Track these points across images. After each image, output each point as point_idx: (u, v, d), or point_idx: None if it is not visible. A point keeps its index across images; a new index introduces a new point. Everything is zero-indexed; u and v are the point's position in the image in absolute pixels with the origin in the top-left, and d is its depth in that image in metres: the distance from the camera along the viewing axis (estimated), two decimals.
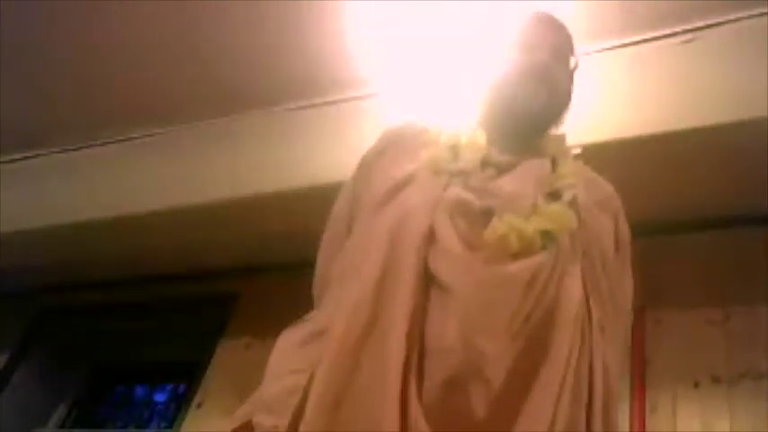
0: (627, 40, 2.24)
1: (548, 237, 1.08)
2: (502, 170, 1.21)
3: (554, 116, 1.32)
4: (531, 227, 1.08)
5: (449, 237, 1.06)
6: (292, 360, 1.08)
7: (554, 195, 1.17)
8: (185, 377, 2.96)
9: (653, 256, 2.43)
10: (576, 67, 1.39)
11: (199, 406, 2.69)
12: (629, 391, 2.20)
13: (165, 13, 2.43)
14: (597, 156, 2.20)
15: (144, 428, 3.30)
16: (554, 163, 1.25)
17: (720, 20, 2.15)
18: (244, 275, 2.93)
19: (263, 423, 1.02)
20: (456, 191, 1.13)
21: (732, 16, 2.14)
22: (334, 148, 2.46)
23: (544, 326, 1.01)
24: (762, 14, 2.10)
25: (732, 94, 2.03)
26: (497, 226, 1.08)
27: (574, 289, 1.07)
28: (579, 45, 2.29)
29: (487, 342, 0.96)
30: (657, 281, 2.38)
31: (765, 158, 2.05)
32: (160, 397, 3.38)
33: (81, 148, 3.06)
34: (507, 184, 1.18)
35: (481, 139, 1.24)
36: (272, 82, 2.63)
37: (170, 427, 2.90)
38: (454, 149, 1.22)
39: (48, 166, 3.10)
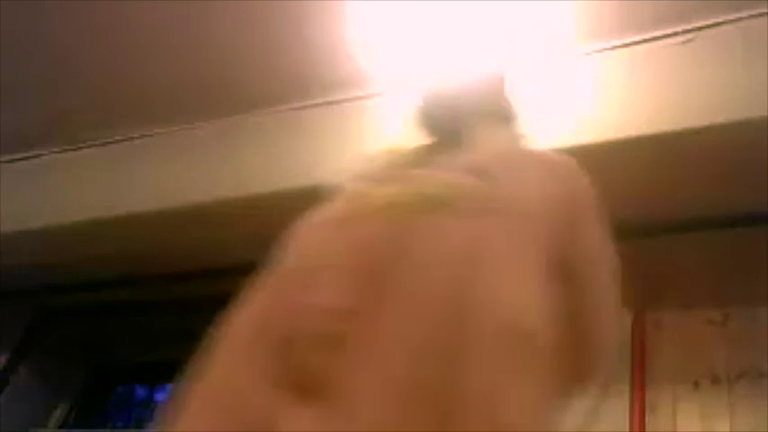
0: (627, 40, 2.25)
1: (429, 199, 1.07)
2: (421, 166, 1.23)
3: (468, 113, 1.34)
4: (412, 191, 1.09)
5: (322, 213, 1.13)
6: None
7: (473, 171, 1.14)
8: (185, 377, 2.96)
9: (653, 256, 2.44)
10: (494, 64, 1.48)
11: None
12: (629, 391, 2.20)
13: (165, 13, 2.43)
14: (597, 156, 2.22)
15: (144, 428, 3.30)
16: (482, 152, 1.24)
17: (720, 20, 2.15)
18: (244, 275, 2.93)
19: None
20: (358, 182, 1.19)
21: (732, 16, 2.14)
22: (335, 148, 2.46)
23: (389, 273, 0.97)
24: (762, 14, 2.10)
25: (732, 94, 2.04)
26: (376, 192, 1.11)
27: (444, 238, 1.02)
28: (579, 45, 2.31)
29: (317, 299, 0.97)
30: (657, 281, 2.38)
31: (765, 158, 2.05)
32: (160, 397, 3.38)
33: (81, 148, 3.05)
34: (413, 172, 1.19)
35: (410, 143, 1.32)
36: (272, 82, 2.63)
37: None
38: (391, 157, 1.29)
39: (48, 166, 3.10)
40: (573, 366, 1.11)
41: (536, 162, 1.26)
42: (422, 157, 1.28)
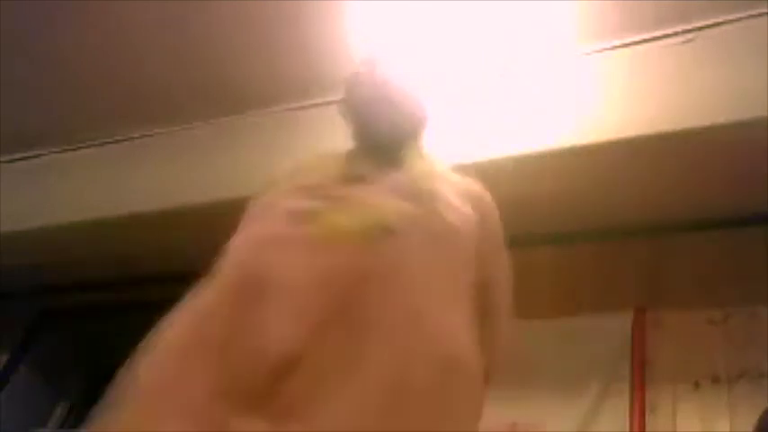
0: (627, 40, 2.25)
1: (379, 228, 1.15)
2: (356, 181, 1.28)
3: (406, 131, 1.39)
4: (363, 220, 1.16)
5: (282, 241, 1.15)
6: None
7: (405, 196, 1.23)
8: None
9: (653, 256, 2.44)
10: (416, 86, 1.47)
11: None
12: (629, 391, 2.20)
13: (164, 13, 2.43)
14: (598, 156, 2.22)
15: None
16: (412, 172, 1.32)
17: (720, 20, 2.15)
18: None
19: None
20: (300, 201, 1.22)
21: (732, 16, 2.14)
22: (333, 148, 2.46)
23: (361, 312, 1.05)
24: (762, 14, 2.10)
25: (732, 94, 2.04)
26: (329, 221, 1.16)
27: (398, 266, 1.11)
28: (579, 45, 2.31)
29: (294, 328, 1.02)
30: (657, 281, 2.38)
31: (765, 158, 2.05)
32: None
33: (81, 148, 3.05)
34: (356, 190, 1.25)
35: (343, 155, 1.36)
36: (271, 82, 2.63)
37: None
38: (312, 167, 1.34)
39: (48, 166, 3.10)
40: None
41: (455, 185, 1.33)
42: (355, 169, 1.31)
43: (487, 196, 1.37)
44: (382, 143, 1.36)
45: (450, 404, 1.04)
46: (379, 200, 1.22)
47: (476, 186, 1.37)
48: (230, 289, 1.12)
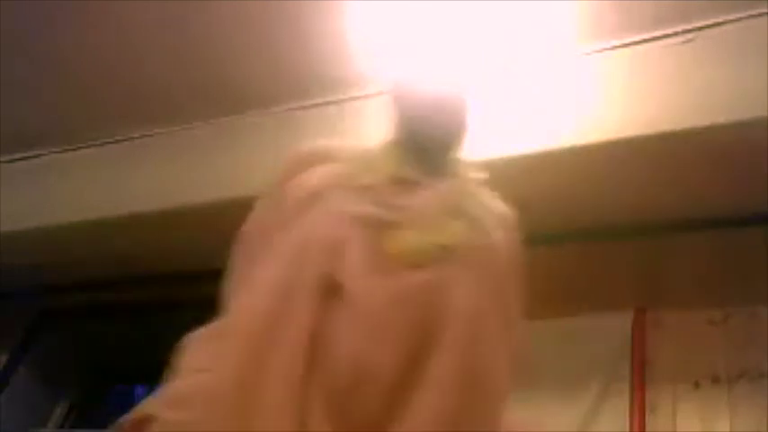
0: (627, 40, 2.25)
1: (445, 249, 1.18)
2: (409, 187, 1.28)
3: (456, 140, 1.39)
4: (430, 240, 1.19)
5: (354, 250, 1.14)
6: (199, 359, 1.19)
7: (456, 213, 1.26)
8: None
9: (653, 256, 2.44)
10: (467, 95, 1.46)
11: None
12: (629, 391, 2.20)
13: (164, 13, 2.43)
14: (598, 156, 2.22)
15: None
16: (458, 183, 1.33)
17: (720, 20, 2.15)
18: None
19: (168, 417, 1.14)
20: (363, 206, 1.21)
21: (732, 16, 2.14)
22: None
23: (435, 330, 1.10)
24: (762, 14, 2.10)
25: (732, 94, 2.04)
26: (400, 239, 1.18)
27: (465, 296, 1.15)
28: (579, 45, 2.31)
29: (382, 350, 1.06)
30: (657, 281, 2.39)
31: (765, 158, 2.05)
32: None
33: (81, 148, 3.05)
34: (413, 200, 1.26)
35: (391, 155, 1.33)
36: (271, 82, 2.63)
37: None
38: (364, 167, 1.31)
39: (48, 166, 3.10)
40: None
41: (491, 205, 1.36)
42: (407, 173, 1.31)
43: (512, 220, 1.39)
44: (433, 147, 1.35)
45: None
46: (439, 217, 1.24)
47: (505, 209, 1.39)
48: (306, 293, 1.11)
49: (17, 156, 3.13)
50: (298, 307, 1.09)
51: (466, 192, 1.32)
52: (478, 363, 1.12)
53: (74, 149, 3.06)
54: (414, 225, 1.20)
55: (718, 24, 2.15)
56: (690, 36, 2.17)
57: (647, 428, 2.13)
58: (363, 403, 1.04)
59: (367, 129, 2.50)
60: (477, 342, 1.13)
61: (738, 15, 2.13)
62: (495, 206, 1.37)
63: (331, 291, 1.10)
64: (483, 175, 1.40)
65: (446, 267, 1.17)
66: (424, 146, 1.35)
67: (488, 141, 2.28)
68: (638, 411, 2.16)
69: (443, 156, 1.35)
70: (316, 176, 1.29)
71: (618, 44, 2.26)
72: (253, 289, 1.18)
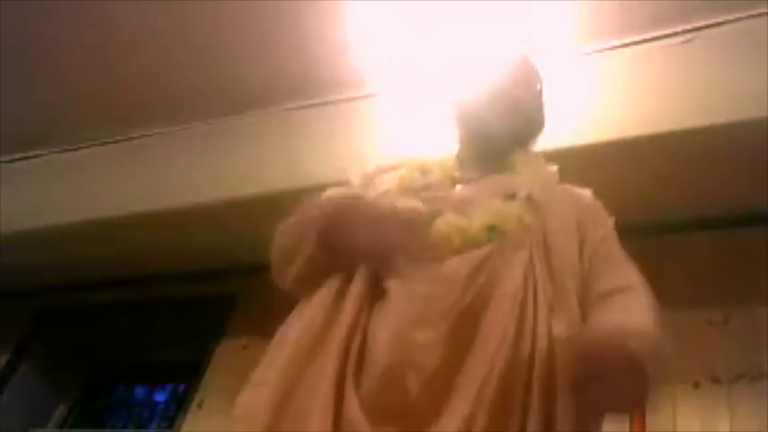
0: (627, 40, 2.25)
1: (492, 231, 1.17)
2: (465, 183, 1.29)
3: (522, 136, 1.39)
4: (474, 223, 1.17)
5: (400, 246, 1.14)
6: (258, 372, 1.17)
7: (510, 196, 1.24)
8: (185, 377, 2.96)
9: (653, 256, 2.43)
10: (541, 91, 1.47)
11: (199, 406, 2.69)
12: None
13: (164, 13, 2.43)
14: (597, 156, 2.21)
15: (144, 428, 3.30)
16: (520, 174, 1.32)
17: (720, 20, 2.15)
18: (242, 276, 2.92)
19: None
20: (404, 201, 1.22)
21: (732, 16, 2.14)
22: (333, 148, 2.46)
23: (478, 311, 1.08)
24: (762, 14, 2.10)
25: (732, 94, 2.04)
26: (438, 225, 1.17)
27: (513, 274, 1.13)
28: (579, 45, 2.31)
29: (421, 334, 1.03)
30: (657, 281, 2.38)
31: (765, 158, 2.05)
32: (160, 397, 3.38)
33: (81, 148, 3.06)
34: (462, 191, 1.27)
35: (450, 160, 1.35)
36: (271, 82, 2.63)
37: (170, 427, 2.90)
38: (424, 170, 1.32)
39: (48, 166, 3.10)
40: None
41: (564, 193, 1.35)
42: (464, 174, 1.32)
43: (593, 207, 1.38)
44: (492, 149, 1.35)
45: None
46: (484, 201, 1.22)
47: (583, 194, 1.38)
48: (355, 298, 1.12)
49: (17, 156, 3.14)
50: (346, 306, 1.10)
51: (527, 180, 1.29)
52: (522, 352, 1.06)
53: (74, 149, 3.07)
54: (455, 210, 1.19)
55: (718, 24, 2.15)
56: (689, 36, 2.17)
57: (647, 428, 2.12)
58: (404, 389, 1.01)
59: (365, 129, 2.50)
60: (533, 320, 1.08)
61: (738, 15, 2.13)
62: (565, 190, 1.35)
63: (379, 291, 1.11)
64: (553, 167, 1.40)
65: (495, 250, 1.14)
66: (486, 147, 1.35)
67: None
68: (638, 411, 2.15)
69: (505, 156, 1.34)
70: (382, 184, 1.32)
71: (618, 44, 2.26)
72: (310, 299, 1.18)
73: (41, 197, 3.00)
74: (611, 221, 1.38)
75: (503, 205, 1.22)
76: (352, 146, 2.39)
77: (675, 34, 2.19)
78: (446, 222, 1.18)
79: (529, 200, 1.24)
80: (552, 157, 2.23)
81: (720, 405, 2.09)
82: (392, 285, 1.10)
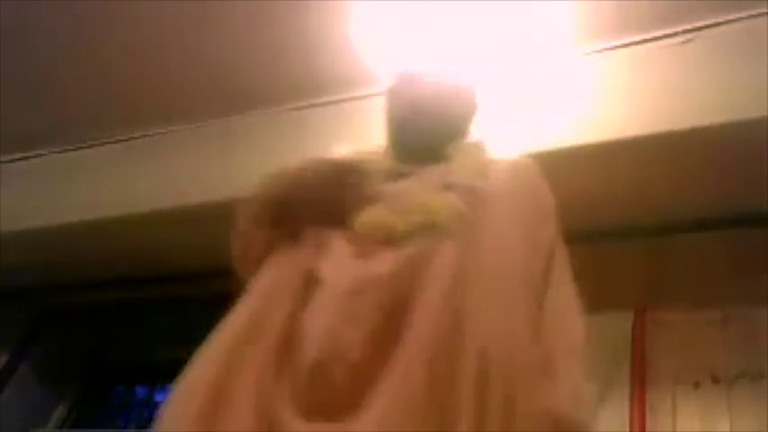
0: (627, 40, 2.25)
1: (424, 224, 1.16)
2: (397, 178, 1.29)
3: (454, 130, 1.41)
4: (405, 216, 1.17)
5: (335, 242, 1.18)
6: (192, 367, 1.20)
7: (446, 187, 1.23)
8: None
9: (653, 256, 2.44)
10: (465, 86, 1.49)
11: None
12: (629, 391, 2.20)
13: (165, 13, 2.43)
14: (597, 156, 2.22)
15: (144, 429, 3.30)
16: (452, 164, 1.32)
17: (720, 20, 2.15)
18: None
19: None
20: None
21: (732, 16, 2.14)
22: (334, 148, 2.46)
23: (406, 307, 1.07)
24: (762, 14, 2.10)
25: (732, 94, 2.04)
26: (363, 216, 1.19)
27: (443, 271, 1.11)
28: (579, 45, 2.31)
29: (350, 331, 1.04)
30: (657, 281, 2.38)
31: (765, 158, 2.05)
32: (160, 397, 3.38)
33: (81, 148, 3.06)
34: (397, 185, 1.26)
35: (386, 154, 1.37)
36: (272, 82, 2.63)
37: None
38: (360, 165, 1.33)
39: (48, 166, 3.10)
40: None
41: (501, 172, 1.32)
42: (397, 168, 1.33)
43: (530, 166, 1.35)
44: (421, 148, 1.36)
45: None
46: (422, 192, 1.22)
47: (519, 160, 1.36)
48: (288, 290, 1.14)
49: (17, 156, 3.13)
50: (278, 304, 1.11)
51: (461, 168, 1.29)
52: (456, 344, 1.04)
53: (74, 149, 3.07)
54: (389, 204, 1.21)
55: (718, 24, 2.15)
56: (689, 36, 2.17)
57: (647, 428, 2.12)
58: (331, 383, 1.02)
59: (367, 129, 2.49)
60: (458, 320, 1.06)
61: (738, 15, 2.13)
62: (503, 165, 1.34)
63: (313, 285, 1.12)
64: (487, 153, 1.39)
65: (426, 244, 1.14)
66: (415, 140, 1.37)
67: (487, 142, 2.28)
68: (638, 411, 2.15)
69: (438, 146, 1.35)
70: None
71: (618, 44, 2.26)
72: (251, 287, 1.20)
73: (41, 197, 3.00)
74: (552, 217, 1.36)
75: (436, 197, 1.21)
76: (356, 144, 2.39)
77: (675, 34, 2.19)
78: (374, 214, 1.19)
79: (469, 190, 1.22)
80: (552, 157, 2.24)
81: (720, 405, 2.09)
82: (325, 278, 1.12)
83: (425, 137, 1.37)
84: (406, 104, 1.41)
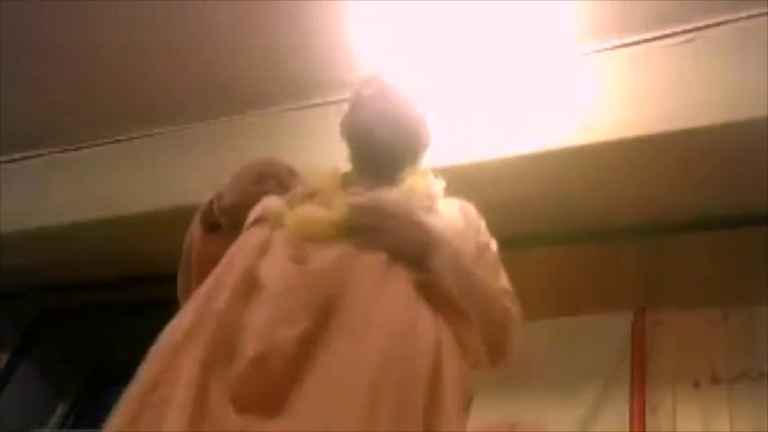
0: (627, 40, 2.25)
1: (353, 225, 1.20)
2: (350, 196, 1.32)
3: (409, 154, 1.44)
4: (334, 215, 1.21)
5: (275, 244, 1.21)
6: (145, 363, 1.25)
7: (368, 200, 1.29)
8: None
9: (653, 256, 2.44)
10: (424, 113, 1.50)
11: None
12: (629, 391, 2.20)
13: (165, 13, 2.43)
14: (597, 156, 2.22)
15: None
16: (405, 188, 1.36)
17: (720, 20, 2.15)
18: None
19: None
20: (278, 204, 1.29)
21: (732, 16, 2.14)
22: (334, 149, 2.46)
23: (337, 306, 1.11)
24: (762, 14, 2.10)
25: (732, 94, 2.04)
26: (292, 214, 1.23)
27: (372, 275, 1.16)
28: (579, 45, 2.31)
29: (286, 329, 1.07)
30: (657, 281, 2.38)
31: (765, 158, 2.05)
32: None
33: (81, 148, 3.05)
34: (336, 196, 1.30)
35: (337, 173, 1.41)
36: (272, 82, 2.63)
37: None
38: (309, 184, 1.37)
39: (48, 166, 3.10)
40: None
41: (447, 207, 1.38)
42: (351, 187, 1.36)
43: (473, 216, 1.40)
44: (381, 163, 1.39)
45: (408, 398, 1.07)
46: (336, 197, 1.28)
47: (460, 206, 1.40)
48: (227, 290, 1.16)
49: (17, 156, 3.13)
50: (216, 305, 1.13)
51: (411, 194, 1.33)
52: (371, 349, 1.08)
53: (74, 149, 3.06)
54: (318, 203, 1.25)
55: (718, 24, 2.15)
56: (690, 36, 2.17)
57: (647, 428, 2.12)
58: (268, 374, 1.05)
59: None
60: (371, 327, 1.10)
61: (738, 15, 2.13)
62: (447, 203, 1.38)
63: (253, 285, 1.14)
64: (439, 183, 1.42)
65: (356, 245, 1.17)
66: (374, 162, 1.40)
67: (488, 141, 2.29)
68: (638, 411, 2.16)
69: (394, 172, 1.39)
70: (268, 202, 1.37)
71: (618, 44, 2.26)
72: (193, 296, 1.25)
73: (41, 197, 3.00)
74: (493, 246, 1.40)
75: (358, 200, 1.25)
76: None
77: (675, 34, 2.19)
78: (304, 211, 1.23)
79: (391, 204, 1.27)
80: (551, 157, 2.24)
81: (720, 405, 2.09)
82: (263, 276, 1.14)
83: (387, 153, 1.40)
84: (375, 115, 1.43)
